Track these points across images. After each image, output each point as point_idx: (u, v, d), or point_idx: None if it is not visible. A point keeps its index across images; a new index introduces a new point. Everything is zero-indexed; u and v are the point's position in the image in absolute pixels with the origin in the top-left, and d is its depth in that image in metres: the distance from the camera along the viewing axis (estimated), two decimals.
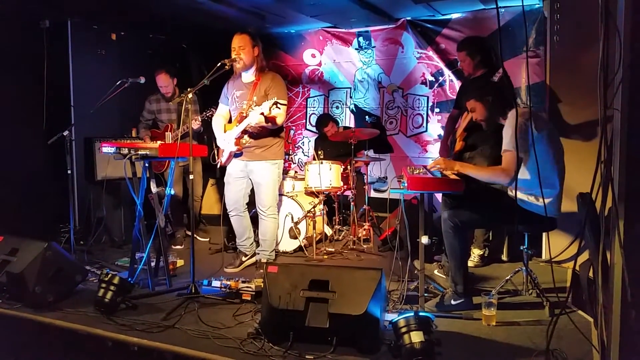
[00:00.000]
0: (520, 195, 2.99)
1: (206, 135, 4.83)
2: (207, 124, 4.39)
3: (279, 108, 3.63)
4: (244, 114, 3.73)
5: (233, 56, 3.73)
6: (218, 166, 4.06)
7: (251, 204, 4.08)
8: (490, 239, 4.17)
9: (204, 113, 4.39)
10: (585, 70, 3.75)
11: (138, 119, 4.94)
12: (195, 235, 3.66)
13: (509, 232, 4.13)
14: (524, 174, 2.88)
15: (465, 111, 3.92)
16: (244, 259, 4.08)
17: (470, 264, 3.92)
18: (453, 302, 3.06)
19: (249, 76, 3.88)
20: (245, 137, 3.81)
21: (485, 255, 4.12)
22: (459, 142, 4.01)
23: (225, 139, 3.88)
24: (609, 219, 1.96)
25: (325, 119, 5.54)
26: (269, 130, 3.83)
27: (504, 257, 4.25)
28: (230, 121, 4.01)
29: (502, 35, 4.70)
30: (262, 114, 3.56)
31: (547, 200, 2.87)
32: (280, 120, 3.76)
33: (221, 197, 5.74)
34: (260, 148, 3.86)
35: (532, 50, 4.70)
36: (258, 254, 4.05)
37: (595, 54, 1.85)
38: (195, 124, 4.47)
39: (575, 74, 3.92)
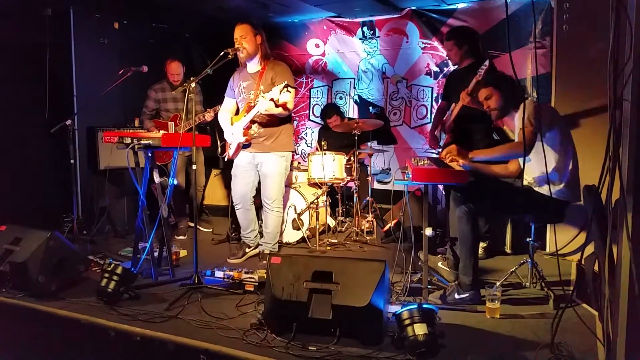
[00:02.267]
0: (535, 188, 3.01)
1: (209, 127, 4.81)
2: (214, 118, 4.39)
3: (289, 91, 3.59)
4: (252, 104, 3.69)
5: (236, 46, 3.70)
6: (226, 159, 4.03)
7: (257, 192, 4.05)
8: (489, 232, 4.14)
9: (218, 106, 4.35)
10: (593, 61, 3.71)
11: (140, 108, 4.91)
12: (197, 226, 3.65)
13: (515, 220, 4.10)
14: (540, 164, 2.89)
15: (454, 102, 3.88)
16: (247, 250, 4.07)
17: None
18: (457, 296, 3.04)
19: (254, 66, 3.85)
20: (254, 127, 3.77)
21: (488, 247, 4.10)
22: (449, 134, 3.98)
23: (233, 130, 3.85)
24: (617, 211, 1.93)
25: (330, 110, 5.43)
26: (278, 120, 3.80)
27: (507, 250, 4.24)
28: (237, 113, 3.98)
29: (508, 25, 4.65)
30: (272, 99, 3.52)
31: (558, 187, 2.93)
32: (290, 106, 3.72)
33: (225, 188, 5.73)
34: (268, 139, 3.82)
35: (538, 41, 4.65)
36: (261, 244, 4.04)
37: (605, 44, 1.82)
38: (209, 116, 4.47)
39: (582, 64, 3.88)
